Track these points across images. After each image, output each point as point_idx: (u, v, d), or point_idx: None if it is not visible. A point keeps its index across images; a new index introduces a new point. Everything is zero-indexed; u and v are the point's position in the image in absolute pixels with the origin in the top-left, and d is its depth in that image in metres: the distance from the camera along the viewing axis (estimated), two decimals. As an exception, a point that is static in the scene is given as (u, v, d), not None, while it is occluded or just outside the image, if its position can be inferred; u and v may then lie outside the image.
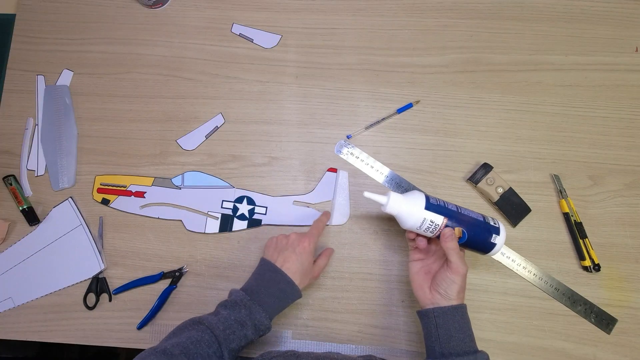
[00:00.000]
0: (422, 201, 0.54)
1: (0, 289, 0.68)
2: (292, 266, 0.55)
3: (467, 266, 0.54)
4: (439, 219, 0.54)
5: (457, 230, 0.54)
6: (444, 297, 0.53)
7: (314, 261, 0.60)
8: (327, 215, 0.65)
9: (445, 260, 0.54)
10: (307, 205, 0.69)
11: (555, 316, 0.65)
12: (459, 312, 0.52)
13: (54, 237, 0.69)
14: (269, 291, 0.54)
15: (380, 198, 0.56)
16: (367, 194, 0.56)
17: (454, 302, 0.52)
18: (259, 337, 0.53)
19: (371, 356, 0.60)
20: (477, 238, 0.55)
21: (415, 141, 0.70)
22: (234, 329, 0.50)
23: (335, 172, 0.70)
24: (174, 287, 0.67)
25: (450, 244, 0.53)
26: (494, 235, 0.55)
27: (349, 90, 0.72)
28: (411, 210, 0.54)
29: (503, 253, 0.67)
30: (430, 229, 0.54)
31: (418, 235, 0.57)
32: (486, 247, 0.56)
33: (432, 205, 0.54)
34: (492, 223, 0.56)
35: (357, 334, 0.65)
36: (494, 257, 0.66)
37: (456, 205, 0.57)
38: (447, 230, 0.54)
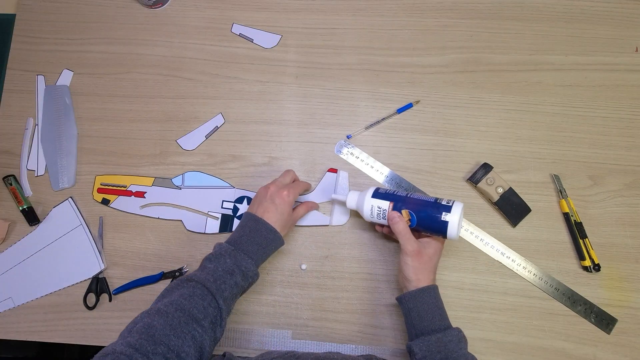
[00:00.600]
0: (371, 191, 0.60)
1: (0, 289, 0.68)
2: (271, 216, 0.58)
3: (417, 247, 0.56)
4: (385, 204, 0.58)
5: (405, 213, 0.57)
6: (406, 279, 0.56)
7: (294, 209, 0.63)
8: (310, 184, 0.68)
9: None
10: (307, 205, 0.69)
11: (555, 316, 0.65)
12: (426, 294, 0.55)
13: (54, 237, 0.69)
14: (252, 239, 0.56)
15: (342, 197, 0.63)
16: (333, 196, 0.65)
17: (418, 284, 0.55)
18: (249, 285, 0.56)
19: (371, 356, 0.60)
20: (426, 218, 0.56)
21: (415, 141, 0.70)
22: (224, 279, 0.52)
23: (336, 172, 0.70)
24: (174, 287, 0.67)
25: (397, 227, 0.56)
26: (443, 213, 0.55)
27: (349, 90, 0.72)
28: (362, 201, 0.60)
29: (503, 253, 0.67)
30: (381, 215, 0.59)
31: (383, 227, 0.62)
32: (439, 226, 0.55)
33: (379, 194, 0.59)
34: (444, 202, 0.56)
35: (357, 334, 0.65)
36: (493, 257, 0.66)
37: (408, 192, 0.59)
38: (392, 213, 0.57)
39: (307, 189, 0.68)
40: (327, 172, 0.70)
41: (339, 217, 0.68)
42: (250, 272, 0.54)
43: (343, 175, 0.69)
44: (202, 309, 0.49)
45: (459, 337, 0.53)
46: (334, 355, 0.56)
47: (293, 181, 0.65)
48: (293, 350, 0.57)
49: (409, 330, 0.56)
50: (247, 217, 0.59)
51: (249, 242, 0.56)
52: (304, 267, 0.67)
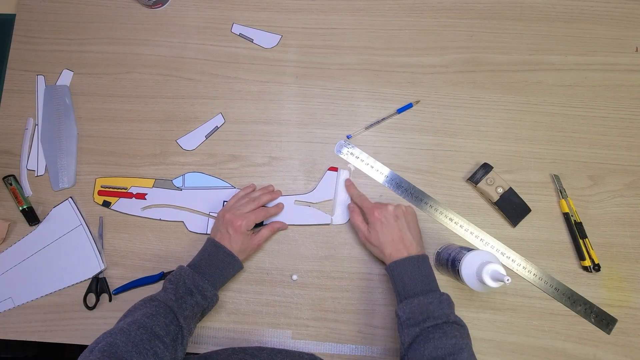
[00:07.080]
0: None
1: (0, 289, 0.68)
2: (227, 244, 0.60)
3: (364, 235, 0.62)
4: None
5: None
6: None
7: (257, 232, 0.64)
8: (279, 207, 0.67)
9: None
10: (309, 204, 0.69)
11: (555, 316, 0.65)
12: (410, 262, 0.57)
13: (54, 237, 0.69)
14: (211, 263, 0.59)
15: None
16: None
17: (391, 258, 0.58)
18: (209, 306, 0.58)
19: (313, 355, 0.60)
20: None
21: (415, 141, 0.70)
22: (185, 299, 0.54)
23: (336, 170, 0.69)
24: (174, 287, 0.66)
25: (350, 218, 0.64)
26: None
27: (349, 90, 0.72)
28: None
29: (503, 253, 0.66)
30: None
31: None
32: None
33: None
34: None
35: (357, 334, 0.65)
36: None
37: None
38: (349, 205, 0.66)
39: (269, 215, 0.66)
40: (328, 171, 0.70)
41: (340, 217, 0.68)
42: (209, 292, 0.57)
43: (344, 173, 0.69)
44: (164, 327, 0.50)
45: (441, 300, 0.54)
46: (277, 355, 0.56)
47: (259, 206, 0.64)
48: (244, 347, 0.58)
49: (396, 297, 0.58)
50: (208, 242, 0.61)
51: (207, 266, 0.59)
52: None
